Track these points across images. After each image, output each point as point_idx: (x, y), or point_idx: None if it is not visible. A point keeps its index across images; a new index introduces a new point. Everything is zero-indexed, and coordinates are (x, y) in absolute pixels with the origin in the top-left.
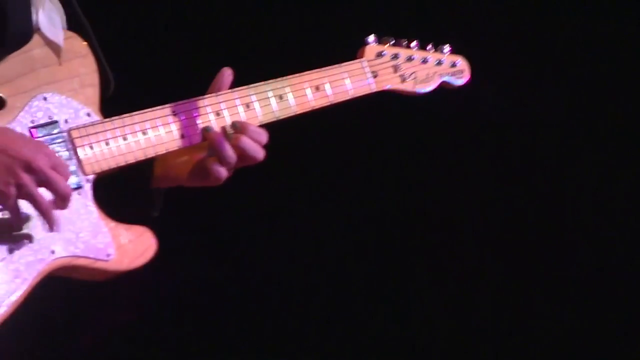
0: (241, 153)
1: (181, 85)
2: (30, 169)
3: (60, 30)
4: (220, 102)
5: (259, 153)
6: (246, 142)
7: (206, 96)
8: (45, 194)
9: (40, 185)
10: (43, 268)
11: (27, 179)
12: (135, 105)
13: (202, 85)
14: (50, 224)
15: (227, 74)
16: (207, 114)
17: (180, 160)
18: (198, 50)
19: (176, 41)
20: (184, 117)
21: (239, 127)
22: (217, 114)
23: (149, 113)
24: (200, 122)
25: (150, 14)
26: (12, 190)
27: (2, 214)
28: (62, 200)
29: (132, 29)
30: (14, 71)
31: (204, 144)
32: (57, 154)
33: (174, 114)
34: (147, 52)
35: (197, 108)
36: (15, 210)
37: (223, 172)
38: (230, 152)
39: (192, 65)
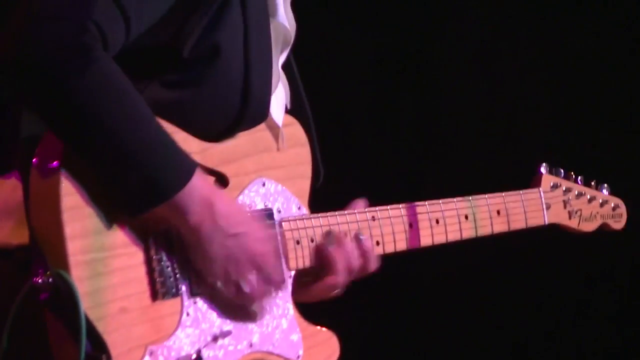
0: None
1: (384, 185)
2: (258, 266)
3: (282, 113)
4: (414, 215)
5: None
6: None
7: (400, 205)
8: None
9: (259, 277)
10: (239, 359)
11: (246, 269)
12: (336, 200)
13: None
14: (256, 318)
15: None
16: (402, 224)
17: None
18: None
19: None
20: (382, 224)
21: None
22: (410, 225)
23: (352, 215)
24: (396, 231)
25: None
26: (227, 278)
27: (212, 299)
28: (275, 290)
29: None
30: (240, 151)
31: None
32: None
33: (373, 219)
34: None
35: (394, 217)
36: (228, 294)
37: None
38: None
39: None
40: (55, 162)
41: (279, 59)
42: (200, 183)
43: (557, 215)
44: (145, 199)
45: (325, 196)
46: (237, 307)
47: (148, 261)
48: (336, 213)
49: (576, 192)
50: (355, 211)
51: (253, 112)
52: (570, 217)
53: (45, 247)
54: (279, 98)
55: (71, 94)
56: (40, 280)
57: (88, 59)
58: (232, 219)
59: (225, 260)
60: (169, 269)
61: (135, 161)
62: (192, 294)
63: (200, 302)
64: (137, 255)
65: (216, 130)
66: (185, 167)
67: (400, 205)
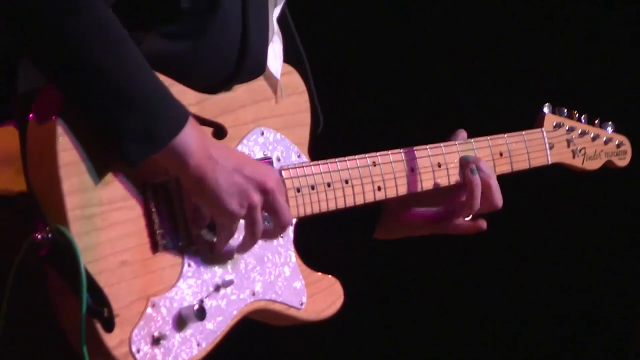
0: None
1: (384, 131)
2: (264, 190)
3: (280, 63)
4: (414, 159)
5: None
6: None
7: (401, 150)
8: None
9: (266, 209)
10: (242, 308)
11: (258, 200)
12: (337, 147)
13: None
14: (245, 251)
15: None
16: (404, 169)
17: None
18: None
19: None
20: (384, 169)
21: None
22: (412, 169)
23: (352, 162)
24: (398, 177)
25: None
26: (243, 213)
27: (216, 244)
28: (282, 229)
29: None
30: (237, 101)
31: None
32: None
33: (374, 164)
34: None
35: (395, 162)
36: (232, 234)
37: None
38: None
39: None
40: (52, 117)
41: (274, 11)
42: (194, 128)
43: (560, 155)
44: (142, 146)
45: (325, 144)
46: (236, 254)
47: (147, 214)
48: (337, 160)
49: (579, 131)
50: (356, 157)
51: (251, 65)
52: (574, 156)
53: (43, 203)
54: (276, 50)
55: (64, 34)
56: (39, 236)
57: (83, 2)
58: (231, 156)
59: (237, 196)
60: (169, 220)
61: (129, 107)
62: (193, 244)
63: (202, 253)
64: (136, 209)
65: (214, 83)
66: (179, 113)
67: (402, 150)
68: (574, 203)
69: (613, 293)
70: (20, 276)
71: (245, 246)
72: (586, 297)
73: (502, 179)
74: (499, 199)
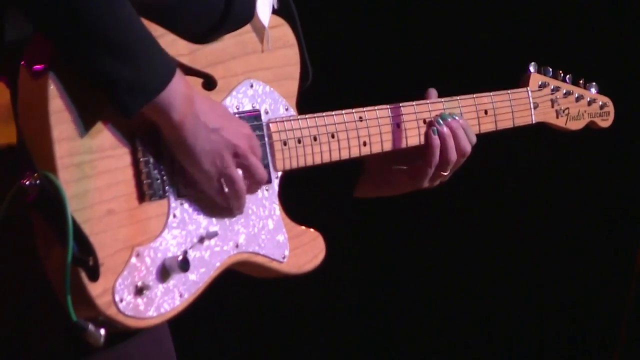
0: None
1: (373, 88)
2: (236, 153)
3: (269, 14)
4: (401, 115)
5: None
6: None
7: (388, 106)
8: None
9: (239, 167)
10: (225, 260)
11: (231, 161)
12: (324, 101)
13: (393, 93)
14: (238, 209)
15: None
16: (390, 124)
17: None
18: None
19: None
20: (370, 125)
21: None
22: (398, 125)
23: (339, 116)
24: (383, 132)
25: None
26: (214, 171)
27: (198, 201)
28: (257, 184)
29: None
30: (227, 53)
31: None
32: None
33: (360, 120)
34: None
35: (381, 117)
36: (214, 192)
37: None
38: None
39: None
40: (42, 65)
41: None
42: (180, 81)
43: (544, 114)
44: (136, 96)
45: (313, 98)
46: (222, 207)
47: (135, 163)
48: (324, 114)
49: (564, 91)
50: (343, 112)
51: (238, 11)
52: (557, 116)
53: (33, 150)
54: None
55: None
56: (27, 182)
57: None
58: (214, 114)
59: (210, 154)
60: (156, 171)
61: (119, 58)
62: (179, 195)
63: (187, 204)
64: (124, 158)
65: (200, 31)
66: (168, 64)
67: (388, 106)
68: (568, 199)
69: (602, 290)
70: (6, 223)
71: (234, 204)
72: (577, 293)
73: (499, 168)
74: (466, 145)
